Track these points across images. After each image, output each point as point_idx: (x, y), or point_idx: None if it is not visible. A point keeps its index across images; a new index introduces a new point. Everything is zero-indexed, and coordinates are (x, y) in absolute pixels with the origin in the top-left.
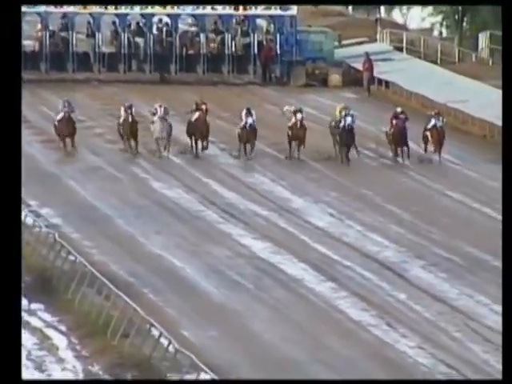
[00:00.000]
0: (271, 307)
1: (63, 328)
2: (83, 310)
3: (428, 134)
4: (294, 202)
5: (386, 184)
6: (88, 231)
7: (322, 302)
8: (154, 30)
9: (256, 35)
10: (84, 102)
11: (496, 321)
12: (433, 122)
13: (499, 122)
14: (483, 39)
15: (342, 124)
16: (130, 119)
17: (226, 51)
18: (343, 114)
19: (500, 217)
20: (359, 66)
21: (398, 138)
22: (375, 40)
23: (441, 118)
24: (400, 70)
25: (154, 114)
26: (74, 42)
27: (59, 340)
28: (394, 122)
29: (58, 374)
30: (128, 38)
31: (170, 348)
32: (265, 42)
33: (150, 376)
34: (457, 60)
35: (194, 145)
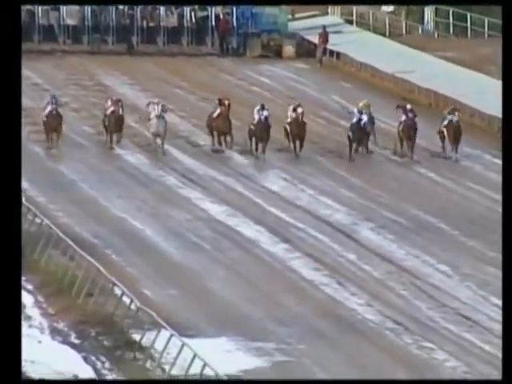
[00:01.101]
0: (228, 267)
1: (30, 287)
2: (49, 270)
3: (444, 130)
4: (250, 167)
5: (338, 150)
6: (53, 195)
7: (277, 262)
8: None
9: (213, 8)
10: (49, 72)
11: (440, 279)
12: (449, 118)
13: (444, 91)
14: (429, 13)
15: (354, 120)
16: (118, 113)
17: (185, 24)
18: (363, 111)
19: (443, 180)
20: (312, 38)
21: (408, 135)
22: (326, 13)
23: (457, 113)
24: (350, 41)
25: (151, 110)
26: (40, 14)
27: (26, 298)
28: (403, 118)
29: (25, 331)
30: (92, 11)
31: (132, 306)
32: (222, 15)
33: (112, 332)
34: (404, 32)
35: (216, 141)
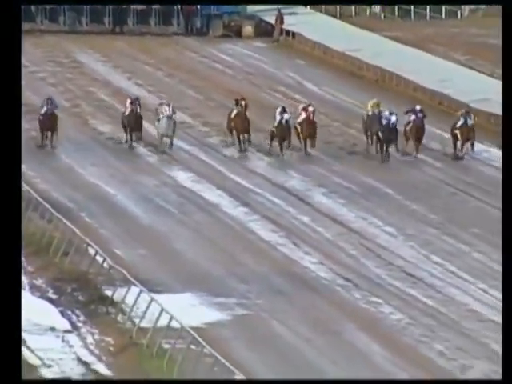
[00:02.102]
0: (193, 229)
1: None
2: (28, 232)
3: (457, 132)
4: (213, 137)
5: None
6: (32, 162)
7: (237, 224)
8: None
9: None
10: (28, 50)
11: (386, 239)
12: (462, 120)
13: (390, 68)
14: None
15: (385, 122)
16: (136, 112)
17: (153, 6)
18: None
19: (392, 150)
20: (269, 19)
21: (416, 135)
22: None
23: (472, 116)
24: (304, 22)
25: (161, 112)
26: None
27: None
28: (413, 117)
29: None
30: None
31: (105, 264)
32: None
33: (87, 288)
34: (353, 14)
35: (236, 139)
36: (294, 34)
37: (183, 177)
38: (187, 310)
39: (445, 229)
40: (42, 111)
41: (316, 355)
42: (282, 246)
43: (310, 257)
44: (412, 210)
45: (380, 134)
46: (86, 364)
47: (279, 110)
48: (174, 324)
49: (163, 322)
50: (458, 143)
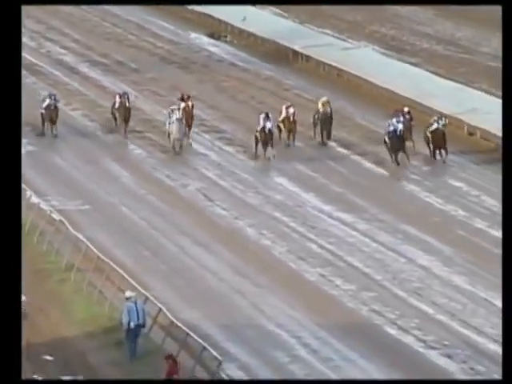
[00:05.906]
0: (61, 122)
1: None
2: None
3: (430, 136)
4: (69, 56)
5: (115, 38)
6: None
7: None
8: None
9: None
10: None
11: (141, 102)
12: (435, 125)
13: (203, 11)
14: None
15: (392, 129)
16: (125, 105)
17: None
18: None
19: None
20: None
21: (406, 136)
22: None
23: (442, 121)
24: None
25: (172, 115)
26: None
27: None
28: (402, 119)
29: None
30: None
31: None
32: None
33: None
34: None
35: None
36: None
37: (31, 80)
38: None
39: (208, 101)
40: (45, 104)
41: (83, 178)
42: (97, 130)
43: (77, 111)
44: (149, 78)
45: (388, 140)
46: None
47: (263, 116)
48: None
49: None
50: (431, 146)
